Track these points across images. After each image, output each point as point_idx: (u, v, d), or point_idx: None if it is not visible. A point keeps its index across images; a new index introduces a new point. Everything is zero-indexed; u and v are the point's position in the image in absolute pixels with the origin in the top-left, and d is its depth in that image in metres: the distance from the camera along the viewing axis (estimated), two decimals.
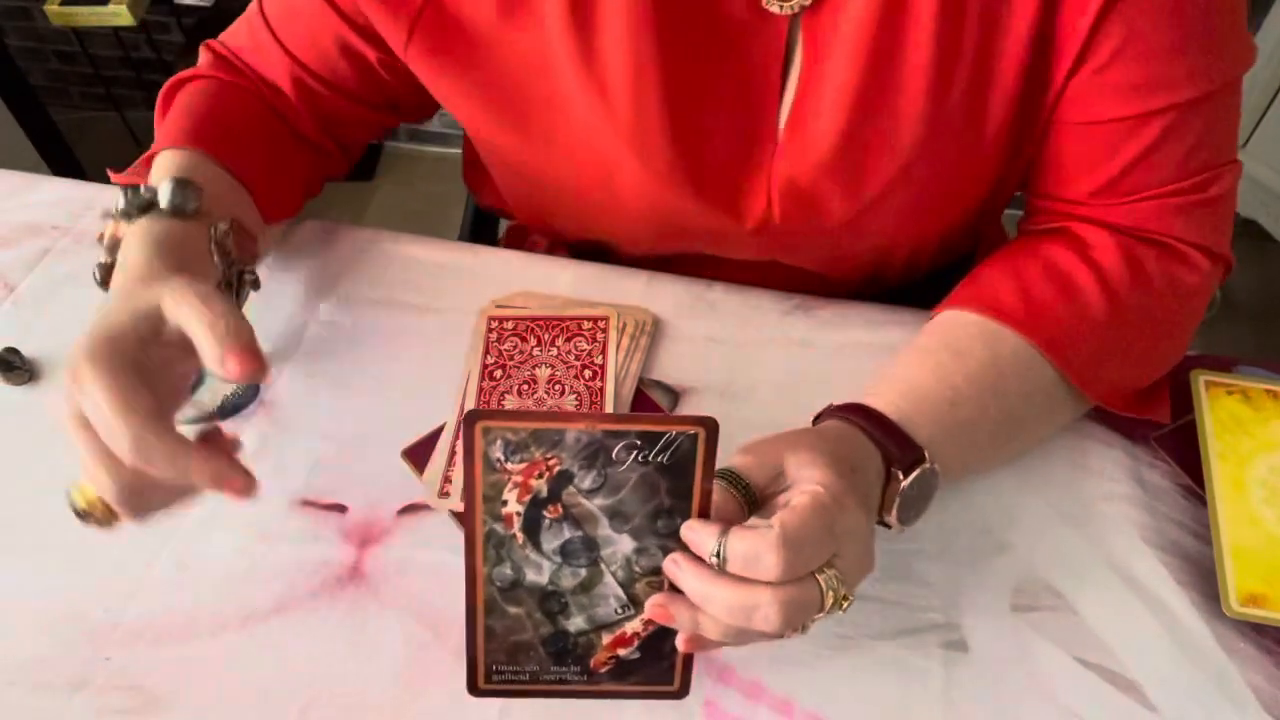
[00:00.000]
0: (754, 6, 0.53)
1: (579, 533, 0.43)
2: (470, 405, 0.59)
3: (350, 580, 0.53)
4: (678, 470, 0.42)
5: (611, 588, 0.44)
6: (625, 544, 0.43)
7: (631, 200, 0.62)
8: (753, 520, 0.44)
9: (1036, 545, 0.55)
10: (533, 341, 0.62)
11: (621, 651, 0.46)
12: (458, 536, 0.55)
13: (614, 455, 0.42)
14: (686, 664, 0.46)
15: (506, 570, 0.44)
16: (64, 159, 1.94)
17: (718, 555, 0.41)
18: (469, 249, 0.71)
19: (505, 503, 0.43)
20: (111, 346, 0.42)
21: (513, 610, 0.45)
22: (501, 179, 0.70)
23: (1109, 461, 0.58)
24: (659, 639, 0.45)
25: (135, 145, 2.03)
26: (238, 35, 0.66)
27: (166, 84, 0.66)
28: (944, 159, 0.57)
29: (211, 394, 0.61)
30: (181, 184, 0.53)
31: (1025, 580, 0.54)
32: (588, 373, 0.60)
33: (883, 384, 0.53)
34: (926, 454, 0.49)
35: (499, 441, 0.41)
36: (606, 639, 0.45)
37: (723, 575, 0.41)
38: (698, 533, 0.42)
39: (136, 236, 0.51)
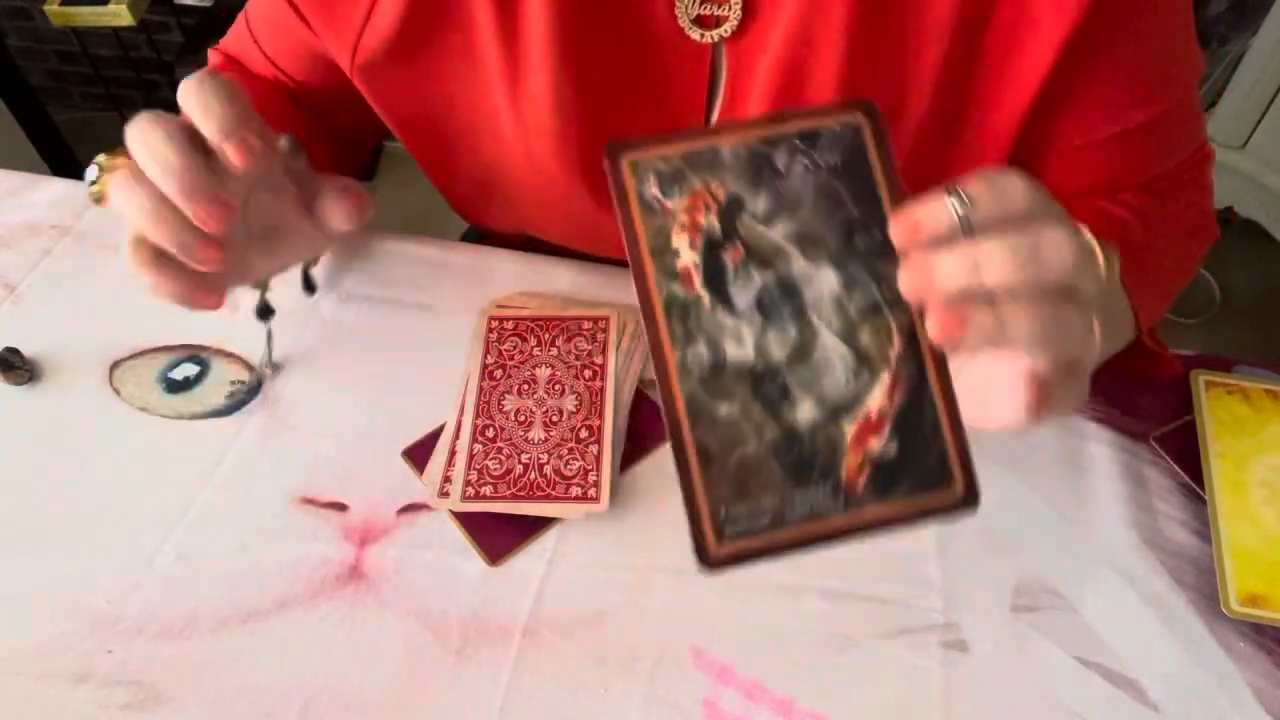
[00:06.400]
0: (678, 32, 0.54)
1: (771, 275, 0.35)
2: (471, 405, 0.59)
3: (350, 579, 0.53)
4: (853, 170, 0.36)
5: (832, 346, 0.35)
6: (829, 279, 0.35)
7: (558, 205, 0.63)
8: None
9: (1036, 545, 0.55)
10: (533, 341, 0.62)
11: (874, 444, 0.35)
12: (458, 536, 0.55)
13: (779, 166, 0.36)
14: (961, 450, 0.35)
15: (701, 349, 0.35)
16: (64, 159, 1.94)
17: (961, 200, 0.33)
18: (469, 249, 0.71)
19: (677, 253, 0.35)
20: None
21: (724, 410, 0.35)
22: (433, 177, 0.70)
23: (1109, 461, 0.58)
24: (914, 416, 0.35)
25: None
26: (232, 41, 0.68)
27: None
28: None
29: (214, 390, 0.61)
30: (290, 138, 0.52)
31: (1025, 580, 0.54)
32: (588, 373, 0.60)
33: None
34: None
35: (651, 176, 0.36)
36: (850, 429, 0.35)
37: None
38: (921, 202, 0.34)
39: None
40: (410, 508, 0.56)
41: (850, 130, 0.36)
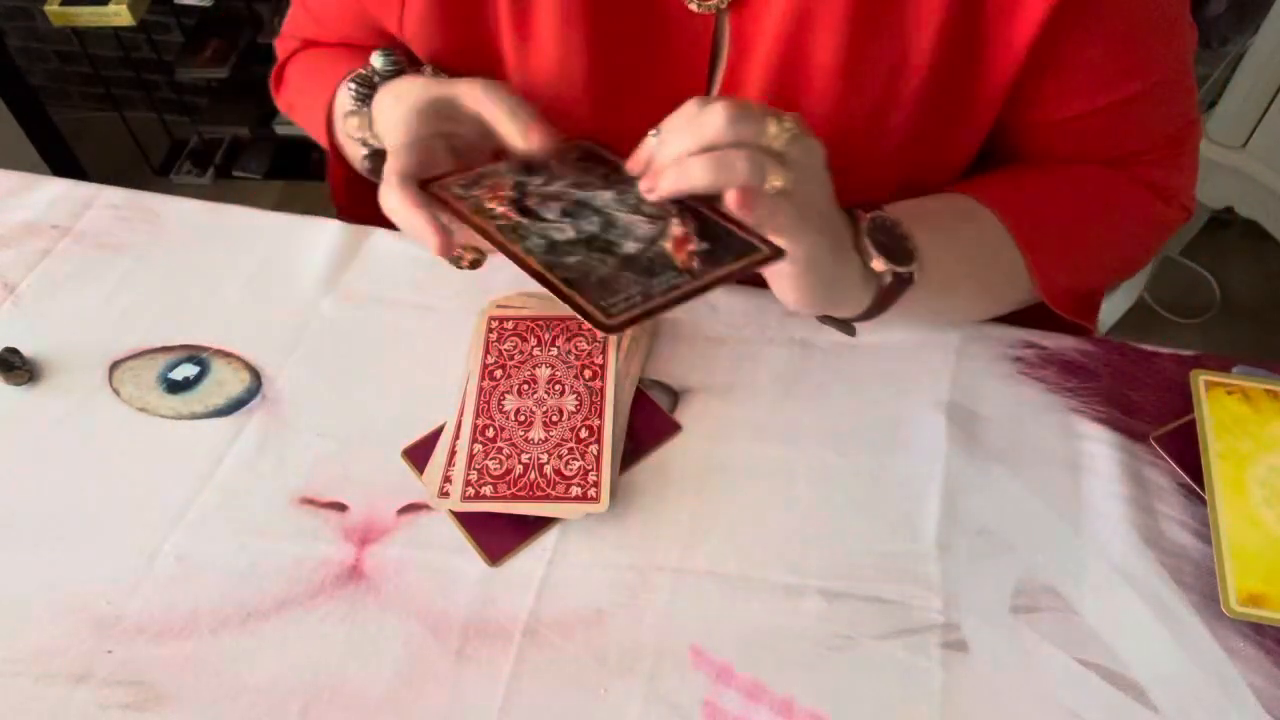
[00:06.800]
0: (680, 3, 0.55)
1: (565, 202, 0.50)
2: (471, 405, 0.59)
3: (350, 579, 0.53)
4: (593, 158, 0.54)
5: (629, 219, 0.48)
6: (605, 194, 0.50)
7: None
8: None
9: (1036, 545, 0.55)
10: (533, 341, 0.62)
11: (691, 247, 0.47)
12: (458, 536, 0.55)
13: (542, 164, 0.52)
14: (755, 235, 0.47)
15: (536, 239, 0.47)
16: (64, 159, 1.95)
17: (656, 131, 0.48)
18: None
19: (494, 209, 0.49)
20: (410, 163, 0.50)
21: (571, 259, 0.46)
22: None
23: (1109, 461, 0.58)
24: (708, 228, 0.47)
25: (135, 145, 2.02)
26: (295, 28, 0.72)
27: (275, 69, 0.72)
28: (853, 160, 0.58)
29: (214, 390, 0.61)
30: (385, 50, 0.59)
31: (1025, 580, 0.54)
32: (588, 373, 0.60)
33: None
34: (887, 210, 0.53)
35: (457, 188, 0.51)
36: (668, 246, 0.47)
37: None
38: (638, 147, 0.49)
39: (382, 105, 0.56)
40: (410, 508, 0.56)
41: (584, 145, 0.55)
